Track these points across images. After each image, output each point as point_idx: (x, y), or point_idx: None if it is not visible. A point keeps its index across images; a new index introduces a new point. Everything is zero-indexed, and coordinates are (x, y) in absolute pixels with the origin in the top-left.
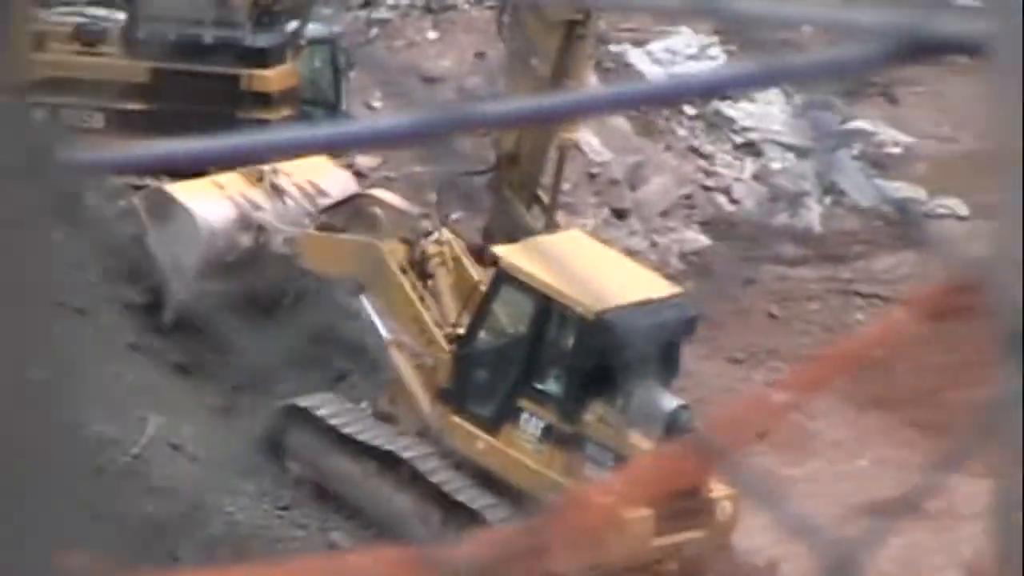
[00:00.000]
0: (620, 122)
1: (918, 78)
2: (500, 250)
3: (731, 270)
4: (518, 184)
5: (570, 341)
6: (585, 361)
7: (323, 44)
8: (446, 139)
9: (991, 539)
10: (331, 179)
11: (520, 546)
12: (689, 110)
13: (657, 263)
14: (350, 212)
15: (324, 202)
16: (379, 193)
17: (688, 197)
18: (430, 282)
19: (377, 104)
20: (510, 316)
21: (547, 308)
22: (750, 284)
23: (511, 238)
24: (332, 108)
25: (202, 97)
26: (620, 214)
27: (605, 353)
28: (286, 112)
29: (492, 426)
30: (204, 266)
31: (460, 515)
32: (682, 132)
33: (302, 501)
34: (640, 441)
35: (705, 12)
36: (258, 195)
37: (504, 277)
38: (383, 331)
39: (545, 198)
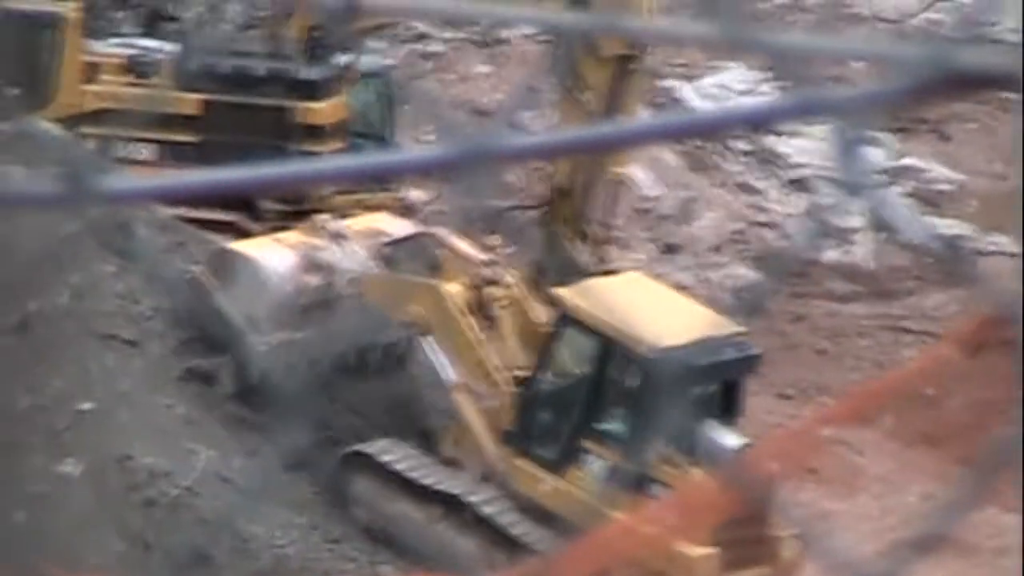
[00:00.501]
0: (671, 157)
1: (970, 114)
2: (562, 292)
3: (781, 306)
4: (569, 218)
5: (633, 381)
6: (648, 401)
7: (375, 77)
8: (478, 171)
9: None
10: (392, 225)
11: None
12: (740, 146)
13: (706, 298)
14: (413, 250)
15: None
16: (443, 234)
17: (739, 233)
18: (492, 325)
19: (429, 138)
20: (573, 357)
21: (609, 348)
22: (800, 320)
23: (561, 273)
24: (382, 141)
25: (253, 129)
26: (671, 249)
27: (668, 392)
28: (336, 145)
29: (556, 468)
30: (277, 313)
31: (526, 558)
32: (734, 168)
33: (353, 535)
34: (705, 481)
35: (746, 45)
36: (319, 242)
37: (566, 318)
38: (448, 374)
39: (596, 233)
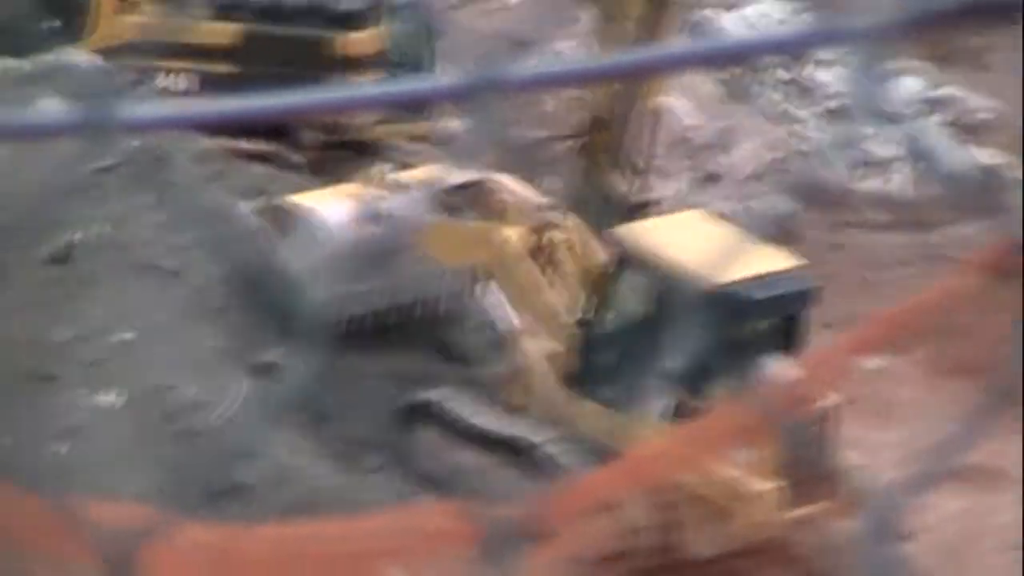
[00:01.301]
0: (710, 87)
1: (1009, 43)
2: (620, 231)
3: (820, 235)
4: (607, 148)
5: (693, 317)
6: (708, 336)
7: (412, 8)
8: (494, 99)
9: None
10: (451, 173)
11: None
12: (780, 74)
13: (746, 227)
14: (473, 196)
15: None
16: (504, 180)
17: (779, 161)
18: (554, 269)
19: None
20: (633, 297)
21: (668, 285)
22: (839, 249)
23: (600, 203)
24: (420, 71)
25: (290, 60)
26: (710, 178)
27: (728, 327)
28: (375, 76)
29: (620, 408)
30: (337, 265)
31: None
32: (773, 97)
33: (388, 465)
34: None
35: None
36: (378, 192)
37: (625, 258)
38: (511, 319)
39: (634, 163)
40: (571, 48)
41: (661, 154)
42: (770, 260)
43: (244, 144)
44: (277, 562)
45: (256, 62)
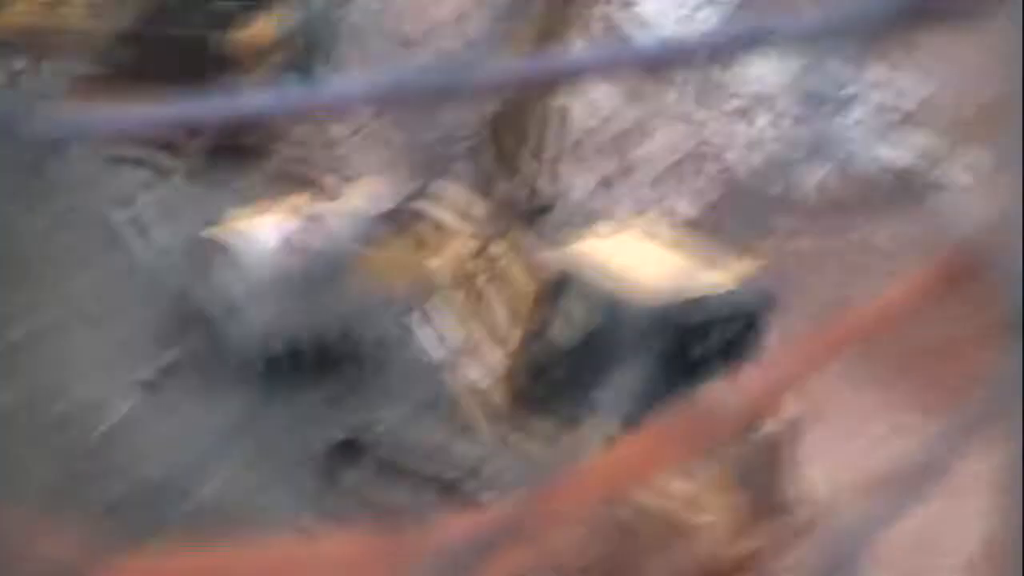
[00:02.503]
0: (609, 87)
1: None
2: (552, 252)
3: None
4: (504, 150)
5: (632, 338)
6: (650, 358)
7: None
8: (420, 105)
9: (1000, 516)
10: (376, 196)
11: (512, 528)
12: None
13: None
14: (404, 220)
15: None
16: (430, 208)
17: (679, 164)
18: (493, 290)
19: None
20: (568, 320)
21: (606, 306)
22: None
23: (497, 207)
24: (309, 71)
25: (171, 60)
26: (612, 180)
27: (673, 347)
28: (260, 75)
29: (560, 434)
30: (258, 296)
31: None
32: (673, 97)
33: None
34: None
35: None
36: (301, 223)
37: (564, 277)
38: (451, 343)
39: (533, 165)
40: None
41: (557, 157)
42: (717, 277)
43: (125, 149)
44: None
45: (134, 61)
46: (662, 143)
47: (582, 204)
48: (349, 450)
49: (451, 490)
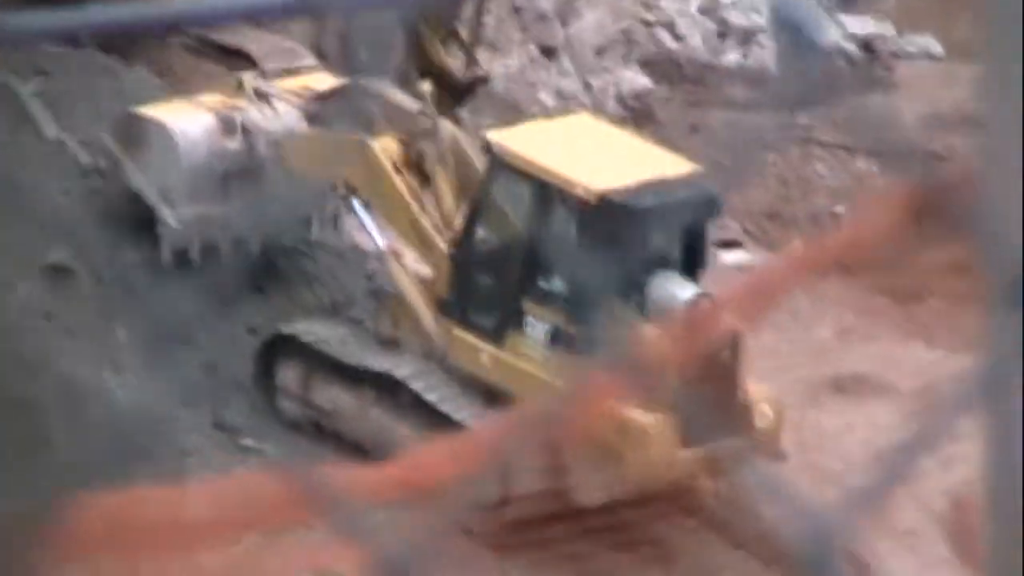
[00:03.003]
0: None
1: None
2: (493, 135)
3: (675, 115)
4: (434, 19)
5: (573, 230)
6: (590, 251)
7: None
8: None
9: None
10: (326, 82)
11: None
12: None
13: (591, 107)
14: (342, 106)
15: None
16: (373, 84)
17: (626, 33)
18: (427, 182)
19: None
20: (509, 210)
21: (546, 194)
22: (696, 131)
23: (427, 79)
24: None
25: None
26: (549, 52)
27: (612, 240)
28: None
29: (496, 336)
30: (193, 182)
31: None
32: None
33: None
34: (660, 340)
35: None
36: (241, 102)
37: (498, 165)
38: (378, 240)
39: (464, 35)
40: None
41: (494, 25)
42: (663, 166)
43: None
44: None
45: None
46: (608, 10)
47: (516, 79)
48: (281, 348)
49: (383, 396)
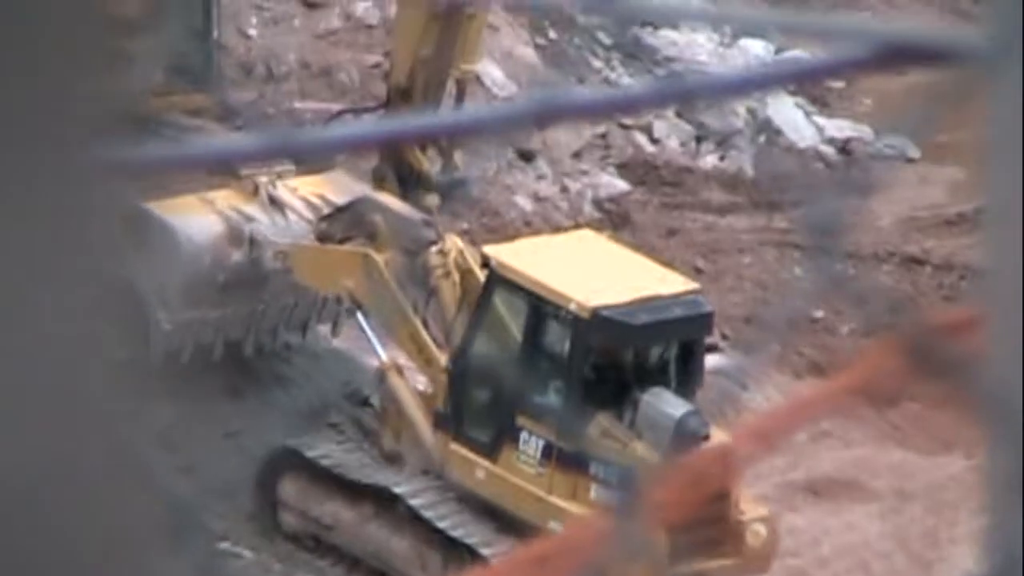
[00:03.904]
0: (527, 52)
1: (863, 3)
2: (491, 250)
3: (652, 219)
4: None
5: (566, 345)
6: (583, 367)
7: None
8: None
9: None
10: (344, 191)
11: None
12: (605, 39)
13: (568, 211)
14: (350, 220)
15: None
16: (381, 198)
17: (603, 136)
18: (431, 294)
19: (252, 31)
20: (507, 324)
21: (541, 309)
22: (673, 235)
23: (403, 182)
24: (200, 35)
25: None
26: (527, 156)
27: (606, 357)
28: (147, 40)
29: (490, 450)
30: (191, 288)
31: (462, 555)
32: (597, 63)
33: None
34: (648, 455)
35: (696, 17)
36: (253, 209)
37: (496, 279)
38: (380, 354)
39: (441, 139)
40: (367, 8)
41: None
42: (658, 282)
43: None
44: None
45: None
46: (569, 124)
47: (493, 181)
48: (282, 462)
49: (382, 510)
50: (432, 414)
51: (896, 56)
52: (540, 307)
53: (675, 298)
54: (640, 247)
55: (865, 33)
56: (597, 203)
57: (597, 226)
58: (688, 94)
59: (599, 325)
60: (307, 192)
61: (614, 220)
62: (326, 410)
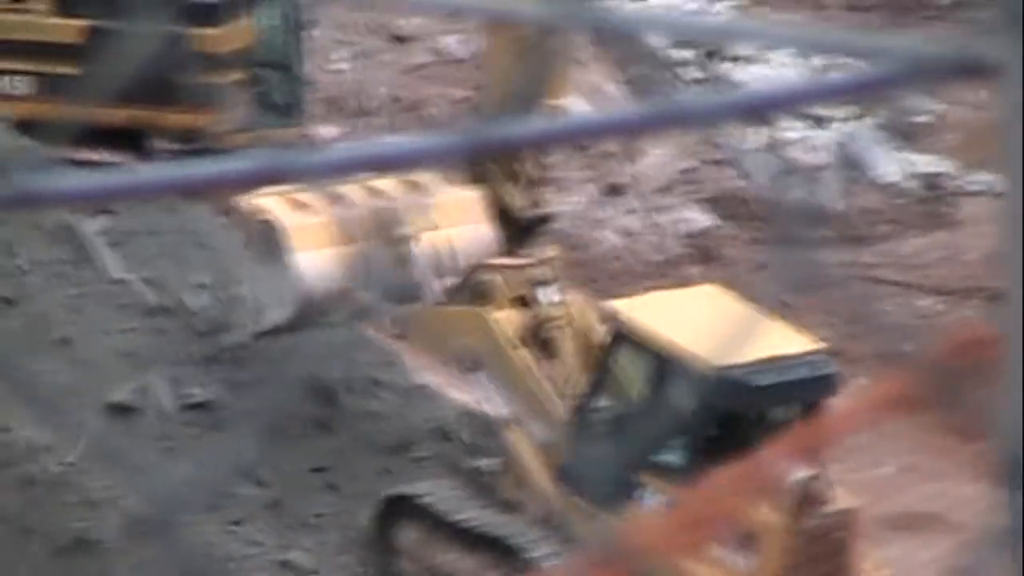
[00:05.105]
0: (613, 87)
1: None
2: (618, 304)
3: (741, 253)
4: (501, 157)
5: (691, 404)
6: (707, 426)
7: None
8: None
9: None
10: (472, 242)
11: None
12: (693, 72)
13: (656, 245)
14: (469, 290)
15: (451, 271)
16: (495, 259)
17: (691, 171)
18: (548, 349)
19: (343, 65)
20: (631, 380)
21: (665, 367)
22: (762, 268)
23: (492, 218)
24: (288, 70)
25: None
26: (615, 190)
27: (730, 417)
28: (236, 75)
29: (612, 505)
30: (284, 308)
31: None
32: (683, 98)
33: (255, 516)
34: (768, 516)
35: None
36: (382, 259)
37: (622, 334)
38: (503, 407)
39: (530, 173)
40: (456, 42)
41: (559, 163)
42: (785, 342)
43: (87, 153)
44: None
45: (103, 62)
46: (667, 150)
47: (582, 216)
48: (399, 508)
49: (502, 561)
50: (553, 467)
51: (925, 74)
52: (664, 363)
53: (799, 358)
54: (728, 281)
55: (894, 50)
56: (686, 237)
57: (685, 260)
58: (696, 116)
59: (723, 385)
60: (442, 241)
61: (703, 255)
62: (412, 445)
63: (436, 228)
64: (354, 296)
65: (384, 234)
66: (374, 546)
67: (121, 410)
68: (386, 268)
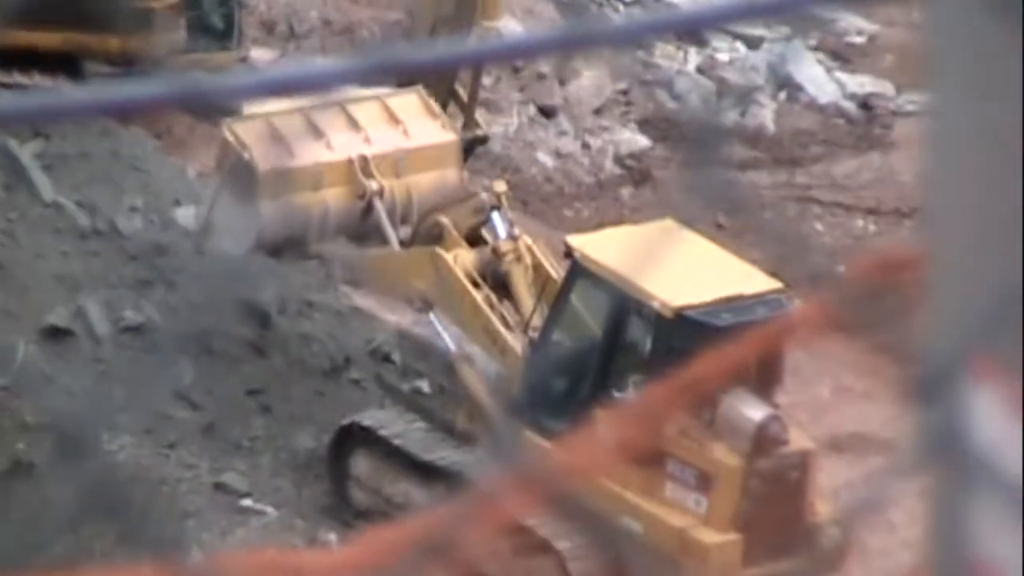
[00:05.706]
0: (548, 8)
1: None
2: (575, 240)
3: (673, 175)
4: (433, 80)
5: (648, 342)
6: (664, 365)
7: None
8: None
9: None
10: (433, 191)
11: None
12: None
13: (590, 167)
14: (423, 234)
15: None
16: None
17: (625, 92)
18: (503, 283)
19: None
20: (586, 316)
21: (623, 305)
22: (693, 190)
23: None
24: (221, 37)
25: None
26: (548, 112)
27: (687, 356)
28: (170, 35)
29: (564, 439)
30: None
31: (529, 541)
32: (616, 18)
33: (190, 439)
34: (726, 457)
35: None
36: (345, 207)
37: (578, 270)
38: (450, 345)
39: (463, 94)
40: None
41: (492, 85)
42: (743, 281)
43: (18, 77)
44: None
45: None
46: (606, 70)
47: (515, 138)
48: (354, 437)
49: (453, 491)
50: (506, 401)
51: None
52: (622, 301)
53: (758, 298)
54: (662, 203)
55: None
56: (619, 159)
57: (619, 182)
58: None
59: (682, 325)
60: (403, 189)
61: (635, 176)
62: (347, 367)
63: (399, 177)
64: (310, 245)
65: (354, 186)
66: (330, 471)
67: (56, 333)
68: (348, 218)
